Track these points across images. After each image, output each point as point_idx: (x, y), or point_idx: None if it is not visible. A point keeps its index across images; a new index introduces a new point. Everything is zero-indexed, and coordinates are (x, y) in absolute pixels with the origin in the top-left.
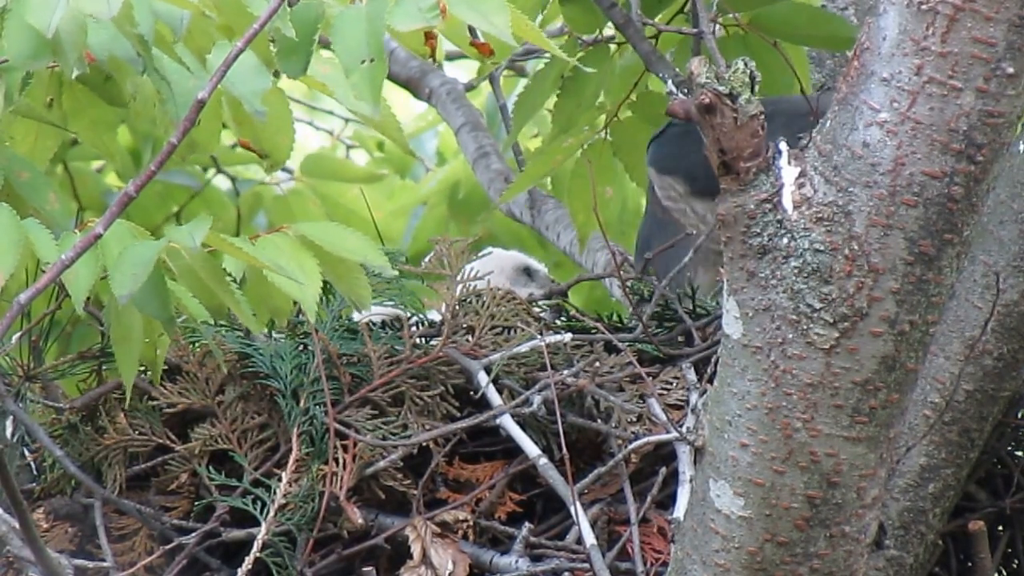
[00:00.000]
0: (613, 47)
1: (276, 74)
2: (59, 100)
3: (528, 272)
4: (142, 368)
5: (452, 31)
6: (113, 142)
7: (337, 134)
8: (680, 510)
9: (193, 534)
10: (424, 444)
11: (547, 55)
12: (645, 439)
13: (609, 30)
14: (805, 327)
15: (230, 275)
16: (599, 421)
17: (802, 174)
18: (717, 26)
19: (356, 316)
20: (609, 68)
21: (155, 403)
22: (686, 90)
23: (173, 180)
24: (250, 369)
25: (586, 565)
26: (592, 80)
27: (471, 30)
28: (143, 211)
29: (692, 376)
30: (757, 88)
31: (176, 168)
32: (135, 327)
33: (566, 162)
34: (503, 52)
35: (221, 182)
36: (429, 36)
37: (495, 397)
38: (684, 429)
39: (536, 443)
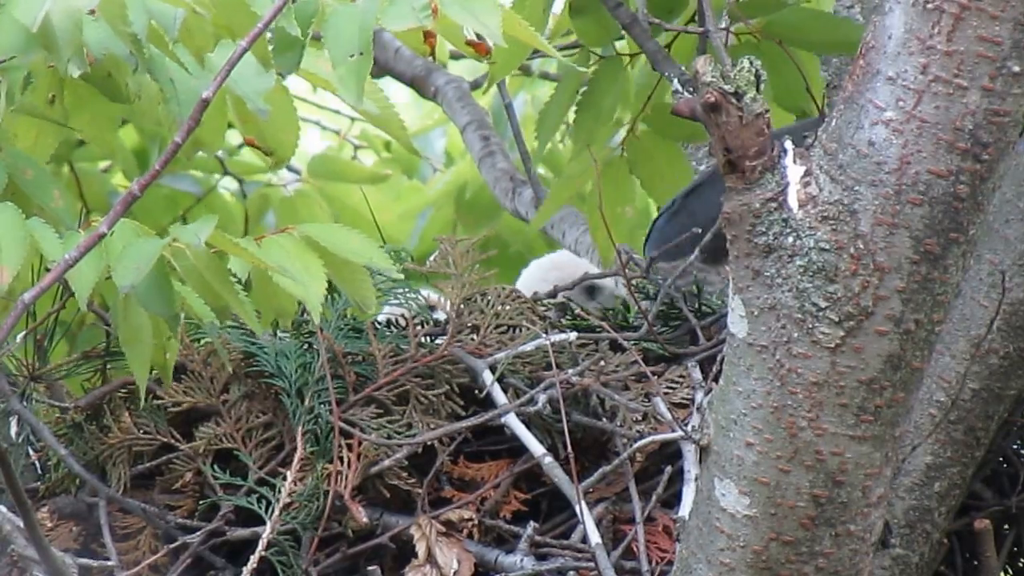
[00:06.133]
0: (626, 58)
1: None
2: (60, 96)
3: (591, 291)
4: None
5: (448, 30)
6: (115, 138)
7: (344, 134)
8: (685, 509)
9: (198, 533)
10: (429, 443)
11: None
12: (650, 438)
13: (621, 44)
14: (810, 326)
15: (235, 276)
16: (604, 420)
17: (807, 173)
18: (730, 35)
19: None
20: (624, 80)
21: (160, 402)
22: (691, 89)
23: (179, 186)
24: (255, 368)
25: (591, 564)
26: (608, 93)
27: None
28: (149, 215)
29: (697, 375)
30: (763, 87)
31: (182, 172)
32: (144, 327)
33: (585, 176)
34: (516, 57)
35: (228, 185)
36: (428, 34)
37: (500, 396)
38: (689, 428)
39: (541, 442)
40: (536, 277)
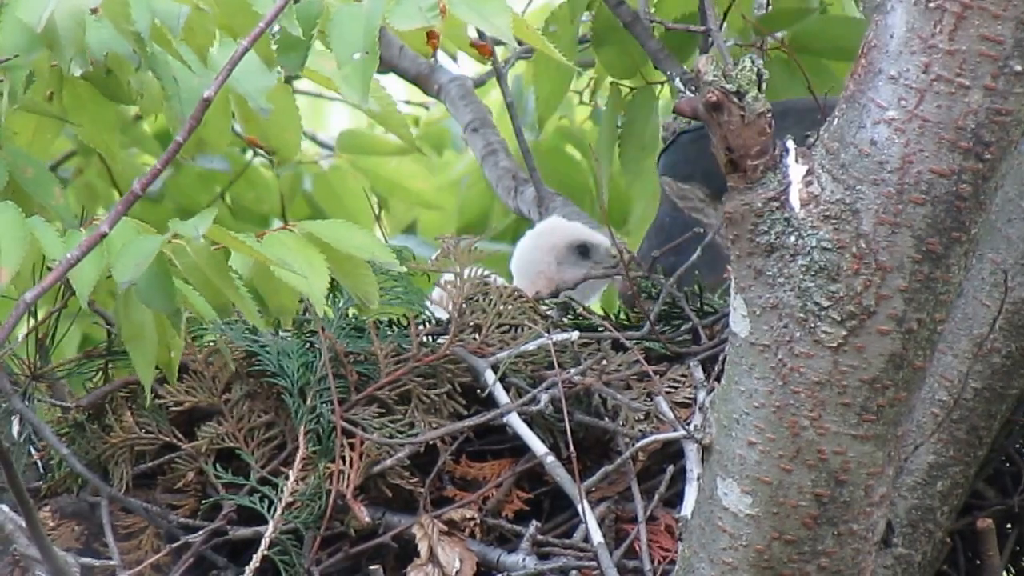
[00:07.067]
0: (659, 86)
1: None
2: (59, 95)
3: (584, 250)
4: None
5: (451, 32)
6: (113, 141)
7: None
8: (687, 508)
9: (200, 532)
10: (431, 442)
11: None
12: (652, 437)
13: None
14: (812, 325)
15: (236, 273)
16: (606, 419)
17: (809, 172)
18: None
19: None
20: (658, 107)
21: (162, 401)
22: (694, 88)
23: (208, 165)
24: (257, 367)
25: (593, 563)
26: (647, 123)
27: (480, 33)
28: (184, 194)
29: (699, 374)
30: (764, 86)
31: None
32: (146, 325)
33: (640, 205)
34: (558, 91)
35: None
36: (431, 35)
37: (502, 395)
38: (691, 427)
39: (543, 441)
40: (531, 246)
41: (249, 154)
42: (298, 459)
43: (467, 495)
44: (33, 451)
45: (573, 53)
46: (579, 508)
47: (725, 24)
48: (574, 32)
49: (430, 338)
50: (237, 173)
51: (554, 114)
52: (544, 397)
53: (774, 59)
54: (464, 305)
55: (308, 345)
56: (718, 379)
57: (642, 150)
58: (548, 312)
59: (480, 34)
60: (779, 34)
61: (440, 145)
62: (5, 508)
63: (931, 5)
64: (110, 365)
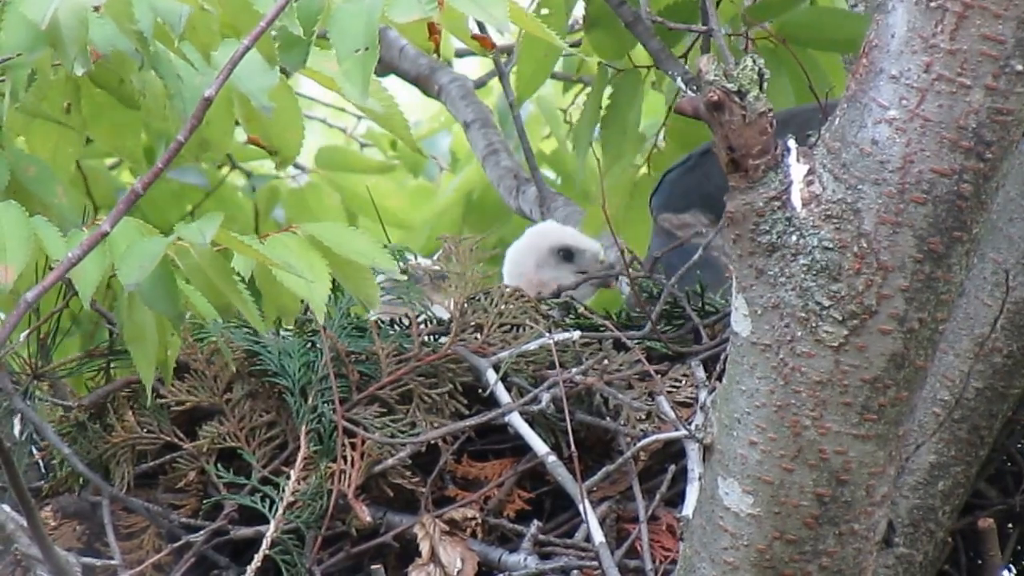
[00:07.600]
0: (644, 70)
1: (286, 71)
2: (77, 105)
3: (567, 254)
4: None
5: (453, 24)
6: (137, 146)
7: (350, 132)
8: (689, 508)
9: (201, 532)
10: (432, 442)
11: None
12: (654, 437)
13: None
14: (814, 325)
15: (238, 275)
16: (608, 419)
17: (811, 171)
18: (743, 39)
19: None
20: (643, 92)
21: (163, 401)
22: (695, 88)
23: (186, 179)
24: (258, 367)
25: (595, 563)
26: (631, 107)
27: (480, 26)
28: (158, 210)
29: (701, 374)
30: (766, 85)
31: (189, 166)
32: (148, 325)
33: (618, 195)
34: (539, 76)
35: (237, 179)
36: (433, 30)
37: (503, 395)
38: (693, 427)
39: (545, 441)
40: (517, 247)
41: (225, 171)
42: (299, 459)
43: (468, 495)
44: (35, 450)
45: (563, 35)
46: (580, 508)
47: (716, 11)
48: (565, 17)
49: (431, 338)
50: (210, 189)
51: (534, 94)
52: (545, 396)
53: (761, 50)
54: (466, 305)
55: (310, 344)
56: (719, 379)
57: (623, 133)
58: (549, 312)
59: (481, 27)
60: (767, 24)
61: (416, 168)
62: (7, 508)
63: (932, 5)
64: (112, 365)
